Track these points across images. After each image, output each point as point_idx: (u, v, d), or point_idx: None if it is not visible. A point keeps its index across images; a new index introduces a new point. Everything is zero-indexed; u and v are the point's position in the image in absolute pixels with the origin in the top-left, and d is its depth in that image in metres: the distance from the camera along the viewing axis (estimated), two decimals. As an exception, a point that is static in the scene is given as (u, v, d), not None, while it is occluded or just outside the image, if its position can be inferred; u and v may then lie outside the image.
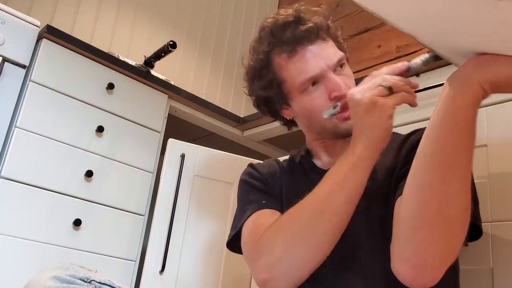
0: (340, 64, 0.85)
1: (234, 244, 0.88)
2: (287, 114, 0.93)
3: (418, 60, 0.68)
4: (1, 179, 1.30)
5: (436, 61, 0.67)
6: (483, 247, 1.02)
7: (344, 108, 0.77)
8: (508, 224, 1.00)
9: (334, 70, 0.84)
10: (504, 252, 0.99)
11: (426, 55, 0.67)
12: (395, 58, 2.03)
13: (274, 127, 1.83)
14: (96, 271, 0.76)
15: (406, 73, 0.70)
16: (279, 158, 1.04)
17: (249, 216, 0.84)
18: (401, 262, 0.61)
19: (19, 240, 1.30)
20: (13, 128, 1.35)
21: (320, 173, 0.81)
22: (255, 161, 1.12)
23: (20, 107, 1.37)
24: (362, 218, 0.75)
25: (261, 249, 0.74)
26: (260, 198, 0.87)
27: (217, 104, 2.00)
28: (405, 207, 0.62)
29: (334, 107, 0.79)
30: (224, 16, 2.56)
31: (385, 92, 0.67)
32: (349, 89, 0.78)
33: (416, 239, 0.59)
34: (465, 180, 0.57)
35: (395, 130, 0.78)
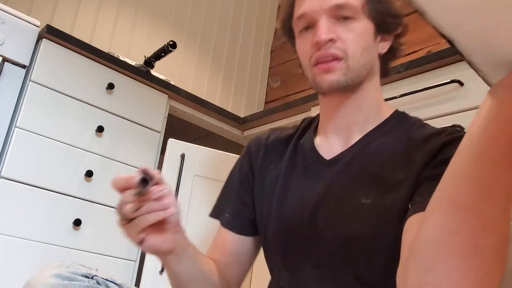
0: (343, 15, 0.73)
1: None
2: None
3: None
4: (1, 179, 1.30)
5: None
6: (483, 247, 1.02)
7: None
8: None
9: (334, 17, 0.73)
10: (504, 252, 0.99)
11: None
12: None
13: (274, 127, 1.82)
14: (97, 269, 0.76)
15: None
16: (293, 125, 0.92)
17: (220, 225, 0.87)
18: None
19: (19, 240, 1.30)
20: (13, 128, 1.35)
21: (320, 165, 0.76)
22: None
23: (20, 107, 1.37)
24: (346, 240, 0.69)
25: None
26: (231, 207, 0.86)
27: (217, 104, 2.00)
28: (426, 230, 0.49)
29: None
30: (224, 16, 2.56)
31: (123, 221, 0.65)
32: (343, 44, 0.71)
33: (440, 270, 0.47)
34: (506, 205, 0.47)
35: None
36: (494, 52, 0.44)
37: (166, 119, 1.73)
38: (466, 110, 1.15)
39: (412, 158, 0.68)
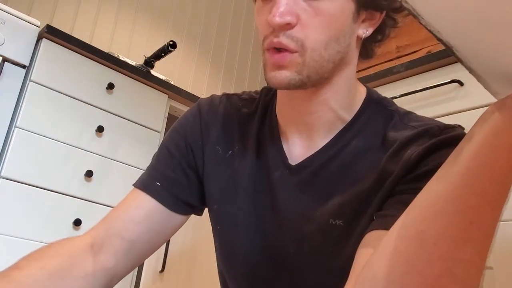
0: None
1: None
2: None
3: None
4: (1, 179, 1.30)
5: None
6: (483, 247, 1.02)
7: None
8: (508, 224, 1.00)
9: None
10: (504, 252, 0.99)
11: None
12: (395, 58, 2.03)
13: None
14: None
15: None
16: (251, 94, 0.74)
17: (134, 187, 0.69)
18: None
19: (19, 240, 1.30)
20: (13, 128, 1.35)
21: (284, 172, 0.63)
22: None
23: (20, 107, 1.37)
24: (311, 266, 0.60)
25: None
26: (167, 177, 0.68)
27: (217, 104, 2.00)
28: (382, 260, 0.40)
29: None
30: (224, 16, 2.56)
31: None
32: (301, 31, 0.55)
33: (403, 284, 0.38)
34: (485, 248, 0.39)
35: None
36: (498, 63, 0.38)
37: (166, 119, 1.73)
38: (466, 110, 1.15)
39: (387, 168, 0.57)
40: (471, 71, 0.40)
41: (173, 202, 0.68)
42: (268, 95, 0.71)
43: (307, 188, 0.61)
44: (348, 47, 0.59)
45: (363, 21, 0.60)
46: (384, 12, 0.61)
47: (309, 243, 0.60)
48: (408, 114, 0.63)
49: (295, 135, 0.64)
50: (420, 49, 1.88)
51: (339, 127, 0.63)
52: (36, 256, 0.59)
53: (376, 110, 0.64)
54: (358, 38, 0.61)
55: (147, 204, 0.67)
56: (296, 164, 0.63)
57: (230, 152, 0.68)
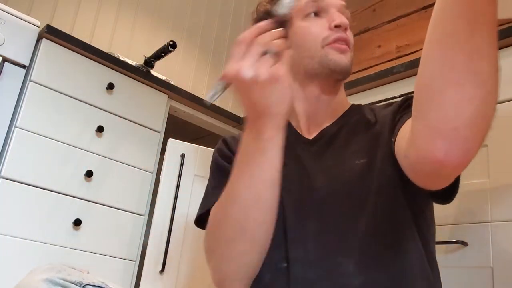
0: (344, 15, 0.85)
1: (202, 223, 0.85)
2: None
3: (210, 95, 0.62)
4: (1, 179, 1.30)
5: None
6: (483, 247, 1.02)
7: (227, 87, 0.64)
8: (508, 224, 1.00)
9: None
10: (504, 252, 0.99)
11: (215, 90, 0.62)
12: (395, 58, 2.03)
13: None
14: (88, 272, 0.74)
15: (273, 24, 0.62)
16: None
17: (212, 205, 0.79)
18: (427, 136, 0.51)
19: (19, 240, 1.30)
20: (13, 128, 1.35)
21: (305, 144, 0.82)
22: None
23: (20, 107, 1.37)
24: (347, 200, 0.75)
25: (206, 253, 0.75)
26: (220, 185, 0.79)
27: (217, 104, 2.00)
28: (424, 71, 0.51)
29: (223, 88, 0.63)
30: (224, 16, 2.56)
31: (273, 60, 0.60)
32: (349, 36, 0.83)
33: (444, 102, 0.49)
34: (494, 32, 0.48)
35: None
36: None
37: (166, 119, 1.73)
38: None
39: (381, 116, 0.81)
40: None
41: None
42: None
43: (328, 151, 0.81)
44: None
45: None
46: None
47: (340, 181, 0.77)
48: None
49: (304, 119, 0.86)
50: (420, 49, 1.88)
51: (339, 114, 0.86)
52: None
53: (361, 107, 0.89)
54: None
55: None
56: (313, 138, 0.84)
57: None
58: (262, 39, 0.59)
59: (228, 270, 0.69)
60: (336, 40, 0.81)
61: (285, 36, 0.61)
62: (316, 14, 0.84)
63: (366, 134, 0.80)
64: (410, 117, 0.63)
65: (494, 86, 0.48)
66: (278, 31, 0.61)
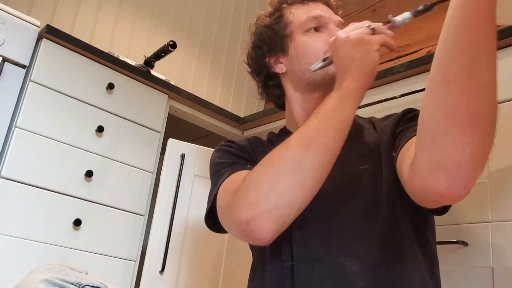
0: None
1: (212, 221, 0.83)
2: (280, 68, 0.93)
3: (400, 18, 0.73)
4: (1, 179, 1.30)
5: (418, 16, 0.73)
6: (483, 247, 1.02)
7: (328, 61, 0.80)
8: (508, 224, 1.00)
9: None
10: (504, 252, 0.99)
11: (408, 13, 0.73)
12: (395, 58, 2.03)
13: (274, 127, 1.83)
14: (87, 273, 0.74)
15: (391, 29, 0.75)
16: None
17: (225, 178, 0.79)
18: (431, 171, 0.55)
19: (19, 240, 1.30)
20: (13, 128, 1.35)
21: None
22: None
23: (20, 107, 1.37)
24: (351, 203, 0.77)
25: (244, 190, 0.68)
26: (238, 162, 0.84)
27: (217, 104, 2.00)
28: (427, 111, 0.56)
29: (324, 60, 0.81)
30: (224, 16, 2.56)
31: (368, 31, 0.72)
32: None
33: (447, 142, 0.53)
34: (493, 71, 0.52)
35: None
36: None
37: (166, 119, 1.73)
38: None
39: (382, 126, 0.84)
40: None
41: None
42: (274, 133, 1.00)
43: None
44: None
45: None
46: None
47: (344, 185, 0.79)
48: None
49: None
50: (420, 49, 1.88)
51: None
52: None
53: (357, 116, 0.90)
54: None
55: None
56: None
57: (260, 149, 0.92)
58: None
59: (267, 205, 0.64)
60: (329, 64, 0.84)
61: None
62: (316, 29, 0.88)
63: (368, 142, 0.83)
64: (412, 135, 0.69)
65: (492, 125, 0.53)
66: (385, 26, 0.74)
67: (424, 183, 0.57)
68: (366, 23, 0.74)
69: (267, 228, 0.65)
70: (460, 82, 0.51)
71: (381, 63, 2.08)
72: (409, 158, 0.64)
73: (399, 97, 1.30)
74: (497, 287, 0.97)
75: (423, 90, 1.24)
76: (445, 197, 0.56)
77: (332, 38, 0.76)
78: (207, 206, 0.84)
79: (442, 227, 1.10)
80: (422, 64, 1.28)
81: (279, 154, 0.69)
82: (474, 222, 1.05)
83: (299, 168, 0.66)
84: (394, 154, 0.74)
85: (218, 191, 0.79)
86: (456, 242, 1.05)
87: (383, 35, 0.72)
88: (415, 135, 0.64)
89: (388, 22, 0.75)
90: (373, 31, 0.73)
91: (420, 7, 0.71)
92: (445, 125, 0.53)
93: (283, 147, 0.69)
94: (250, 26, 1.00)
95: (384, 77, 1.38)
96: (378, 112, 1.31)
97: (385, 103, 1.34)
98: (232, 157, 0.87)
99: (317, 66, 0.82)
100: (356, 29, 0.73)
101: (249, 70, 1.02)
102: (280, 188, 0.65)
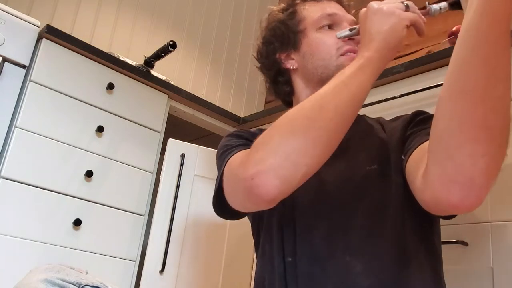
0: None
1: (220, 206, 0.81)
2: (291, 64, 0.92)
3: (436, 6, 0.74)
4: (1, 179, 1.30)
5: (452, 9, 0.73)
6: (483, 247, 1.02)
7: (355, 32, 0.82)
8: (508, 224, 1.00)
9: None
10: (504, 252, 0.99)
11: (445, 3, 0.73)
12: (395, 58, 2.03)
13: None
14: (87, 273, 0.74)
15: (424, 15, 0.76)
16: None
17: (233, 155, 0.78)
18: (444, 183, 0.55)
19: (19, 240, 1.30)
20: (13, 128, 1.35)
21: None
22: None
23: (20, 107, 1.37)
24: (357, 204, 0.77)
25: (254, 147, 0.68)
26: (246, 144, 0.81)
27: (217, 104, 2.00)
28: (442, 124, 0.56)
29: (351, 30, 0.83)
30: (224, 16, 2.56)
31: (402, 6, 0.72)
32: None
33: (461, 155, 0.53)
34: (509, 83, 0.52)
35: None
36: None
37: (166, 119, 1.73)
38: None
39: (391, 127, 0.84)
40: None
41: None
42: None
43: (340, 157, 0.79)
44: None
45: None
46: None
47: (351, 184, 0.79)
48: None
49: None
50: (420, 49, 1.88)
51: None
52: None
53: (365, 116, 0.93)
54: None
55: None
56: None
57: None
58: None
59: (274, 162, 0.63)
60: (348, 51, 0.85)
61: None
62: (330, 27, 0.89)
63: (376, 143, 0.83)
64: (422, 140, 0.69)
65: (506, 137, 0.53)
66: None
67: (436, 195, 0.57)
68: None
69: (272, 185, 0.63)
70: (477, 94, 0.51)
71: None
72: (421, 168, 0.64)
73: (399, 97, 1.30)
74: (497, 287, 0.97)
75: (423, 90, 1.25)
76: (457, 209, 0.56)
77: (364, 9, 0.76)
78: (215, 188, 0.81)
79: (442, 227, 1.10)
80: (422, 64, 1.28)
81: (292, 113, 0.68)
82: (474, 222, 1.05)
83: (310, 128, 0.65)
84: (403, 157, 0.74)
85: (225, 168, 0.77)
86: (456, 242, 1.05)
87: (416, 15, 0.72)
88: (426, 140, 0.64)
89: (424, 8, 0.75)
90: (407, 8, 0.72)
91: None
92: (460, 138, 0.53)
93: (298, 107, 0.69)
94: (261, 21, 1.00)
95: (384, 77, 1.38)
96: (378, 112, 1.31)
97: (385, 103, 1.34)
98: (240, 139, 0.85)
99: (343, 34, 0.83)
100: (391, 3, 0.73)
101: (258, 65, 1.02)
102: (289, 146, 0.64)
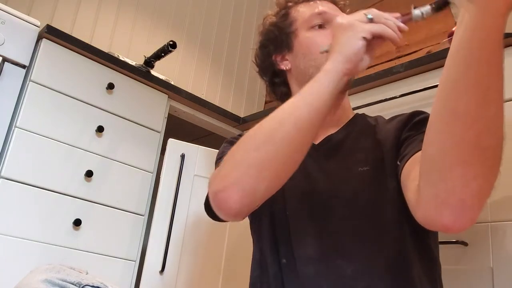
0: None
1: (213, 213, 0.81)
2: (285, 65, 0.94)
3: (418, 12, 0.71)
4: (1, 179, 1.30)
5: (436, 13, 0.71)
6: (483, 247, 1.02)
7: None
8: (508, 224, 1.00)
9: None
10: (504, 252, 0.99)
11: (428, 8, 0.70)
12: (395, 58, 2.03)
13: None
14: (87, 273, 0.74)
15: (406, 21, 0.73)
16: None
17: (218, 166, 0.79)
18: (436, 205, 0.54)
19: (19, 240, 1.30)
20: (13, 128, 1.35)
21: (310, 148, 0.81)
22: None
23: (20, 107, 1.37)
24: (349, 205, 0.77)
25: (221, 164, 0.71)
26: None
27: (217, 104, 2.00)
28: (434, 145, 0.55)
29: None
30: (224, 16, 2.56)
31: (365, 19, 0.71)
32: None
33: (453, 177, 0.52)
34: (501, 104, 0.50)
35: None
36: None
37: (166, 119, 1.73)
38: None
39: (387, 128, 0.83)
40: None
41: None
42: None
43: (332, 157, 0.84)
44: None
45: None
46: None
47: (343, 186, 0.80)
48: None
49: None
50: (420, 49, 1.88)
51: (343, 122, 0.90)
52: None
53: (365, 117, 0.93)
54: None
55: None
56: (318, 143, 0.87)
57: None
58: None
59: (235, 177, 0.66)
60: None
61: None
62: (321, 26, 0.89)
63: (370, 144, 0.83)
64: (418, 148, 0.68)
65: (498, 158, 0.52)
66: (398, 18, 0.73)
67: (428, 216, 0.57)
68: (370, 11, 0.73)
69: (234, 199, 0.65)
70: (469, 115, 0.50)
71: (381, 63, 2.09)
72: (414, 181, 0.63)
73: (398, 97, 1.30)
74: (497, 287, 0.97)
75: (422, 90, 1.25)
76: (449, 230, 0.55)
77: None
78: (206, 196, 0.84)
79: (442, 227, 1.10)
80: (422, 64, 1.28)
81: (255, 128, 0.70)
82: (474, 222, 1.05)
83: (270, 141, 0.66)
84: (398, 163, 0.73)
85: (214, 171, 0.79)
86: (456, 242, 1.05)
87: (380, 25, 0.71)
88: (419, 149, 0.63)
89: (409, 13, 0.73)
90: (370, 20, 0.72)
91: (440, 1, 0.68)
92: (452, 159, 0.52)
93: (261, 122, 0.70)
94: (259, 27, 1.01)
95: (384, 77, 1.38)
96: (378, 112, 1.31)
97: (385, 103, 1.34)
98: None
99: (324, 49, 0.83)
100: (354, 16, 0.74)
101: (257, 69, 1.03)
102: (250, 160, 0.66)
